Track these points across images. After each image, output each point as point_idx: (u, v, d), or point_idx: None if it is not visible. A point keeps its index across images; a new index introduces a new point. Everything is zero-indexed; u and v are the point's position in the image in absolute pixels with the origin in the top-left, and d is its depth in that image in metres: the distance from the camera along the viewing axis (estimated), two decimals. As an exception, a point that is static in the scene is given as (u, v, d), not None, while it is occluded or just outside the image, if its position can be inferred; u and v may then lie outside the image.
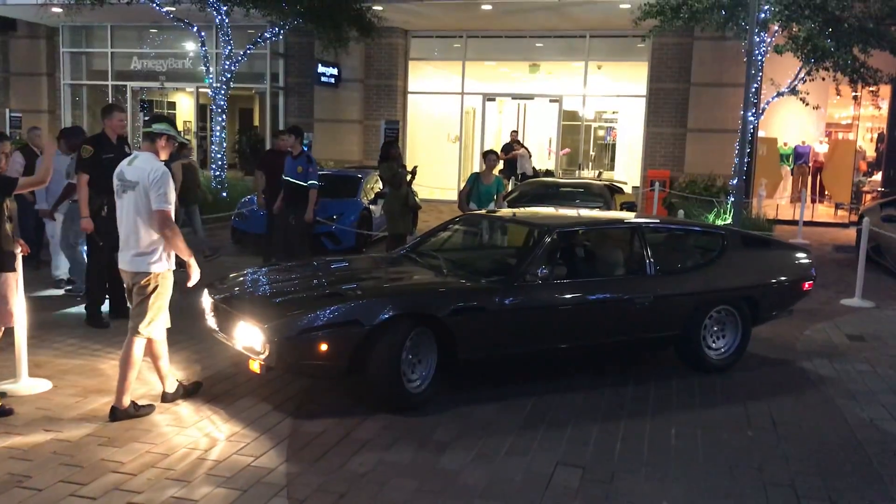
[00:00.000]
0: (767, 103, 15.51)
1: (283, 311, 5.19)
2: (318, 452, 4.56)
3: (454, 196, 19.69)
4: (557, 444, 4.81)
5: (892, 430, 5.28)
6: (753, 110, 13.19)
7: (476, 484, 4.23)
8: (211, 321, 5.76)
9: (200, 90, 21.61)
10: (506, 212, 7.50)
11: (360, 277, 6.29)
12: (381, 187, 13.49)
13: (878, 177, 20.29)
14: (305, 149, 9.92)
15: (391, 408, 5.21)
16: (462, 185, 20.68)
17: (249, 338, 5.11)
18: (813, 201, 19.22)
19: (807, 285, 7.09)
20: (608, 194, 12.02)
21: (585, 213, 8.70)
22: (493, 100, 21.66)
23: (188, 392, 5.39)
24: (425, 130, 21.40)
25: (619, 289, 6.25)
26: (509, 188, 14.01)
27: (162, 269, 5.02)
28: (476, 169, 21.27)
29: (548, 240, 6.01)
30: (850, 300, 9.29)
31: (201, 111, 22.40)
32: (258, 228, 11.00)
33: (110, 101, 19.93)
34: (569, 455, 4.65)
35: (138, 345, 5.03)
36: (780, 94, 15.26)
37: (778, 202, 20.07)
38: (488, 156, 9.68)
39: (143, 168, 4.92)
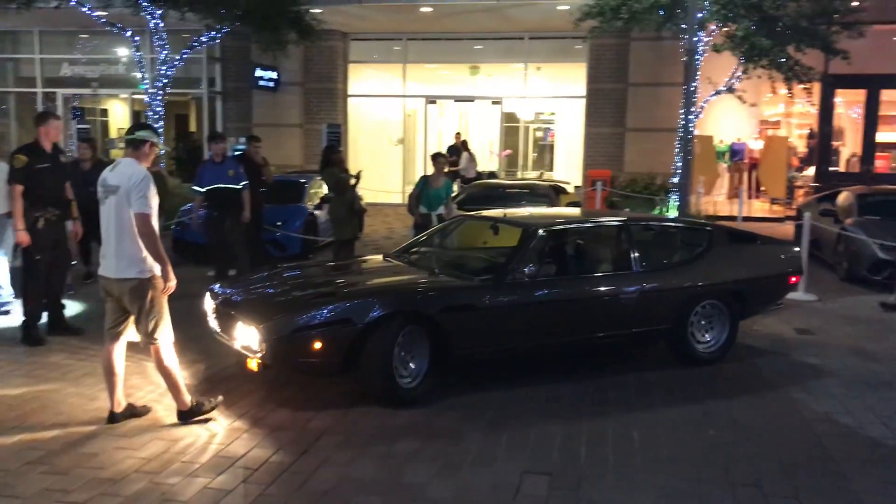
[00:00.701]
0: (706, 102, 15.76)
1: (278, 311, 5.40)
2: (277, 471, 4.39)
3: (398, 199, 19.58)
4: (522, 450, 4.73)
5: (848, 422, 5.34)
6: (693, 109, 13.34)
7: (442, 498, 4.12)
8: (213, 323, 5.93)
9: (135, 96, 21.07)
10: (496, 212, 7.73)
11: (355, 278, 6.54)
12: (326, 191, 13.32)
13: (809, 172, 20.83)
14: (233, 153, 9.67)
15: (384, 403, 5.36)
16: (406, 188, 20.63)
17: (247, 337, 5.30)
18: (749, 197, 19.61)
19: (794, 279, 7.31)
20: (553, 195, 12.05)
21: (573, 211, 8.80)
22: (435, 102, 21.59)
23: (135, 414, 5.17)
24: (367, 134, 21.22)
25: (605, 285, 6.39)
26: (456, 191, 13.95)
27: (148, 274, 4.90)
28: (420, 172, 21.18)
29: (535, 239, 6.22)
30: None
31: (136, 118, 21.80)
32: (202, 238, 10.69)
33: (39, 109, 19.27)
34: (534, 462, 4.57)
35: (162, 353, 4.98)
36: (718, 93, 15.52)
37: (716, 199, 20.45)
38: (437, 158, 9.57)
39: (124, 172, 4.88)
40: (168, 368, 5.01)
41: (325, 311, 5.26)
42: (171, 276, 4.96)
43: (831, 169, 19.84)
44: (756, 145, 21.60)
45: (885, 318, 8.50)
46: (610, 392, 5.89)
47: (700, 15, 12.69)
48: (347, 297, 5.49)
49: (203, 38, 15.92)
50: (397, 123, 20.85)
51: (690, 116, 11.07)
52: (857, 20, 14.30)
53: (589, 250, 7.27)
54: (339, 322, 5.22)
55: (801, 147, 23.34)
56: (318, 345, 5.17)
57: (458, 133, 20.43)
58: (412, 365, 5.51)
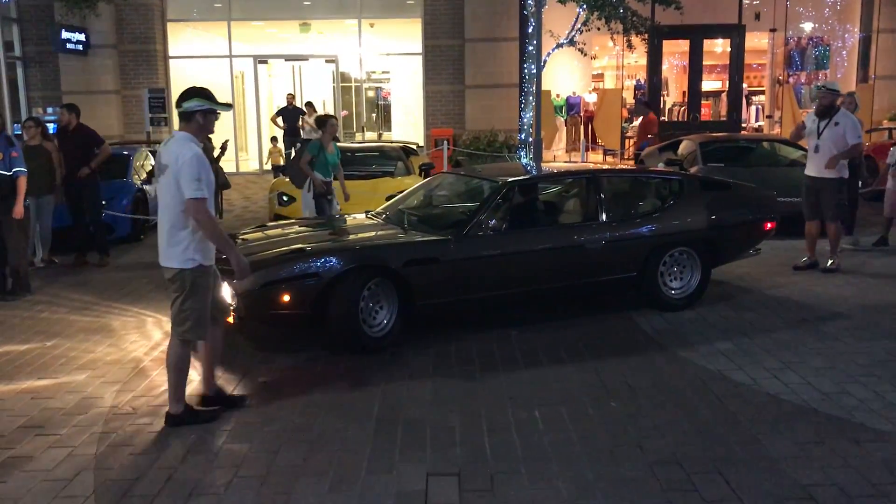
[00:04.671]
0: (548, 55, 15.63)
1: (251, 267, 5.44)
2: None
3: (232, 167, 18.38)
4: (421, 449, 4.21)
5: (741, 379, 5.19)
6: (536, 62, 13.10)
7: (342, 518, 3.55)
8: None
9: (-85, 65, 18.47)
10: (470, 168, 7.81)
11: (328, 236, 6.65)
12: (154, 164, 12.11)
13: (639, 122, 21.39)
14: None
15: (352, 351, 5.65)
16: (240, 154, 19.44)
17: (224, 293, 5.31)
18: (586, 149, 19.94)
19: (769, 225, 7.31)
20: (405, 157, 11.52)
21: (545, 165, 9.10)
22: (265, 62, 20.39)
23: (231, 401, 4.86)
24: (193, 99, 19.71)
25: (569, 236, 6.54)
26: (293, 155, 13.14)
27: (190, 265, 4.42)
28: (252, 136, 20.07)
29: (499, 193, 6.38)
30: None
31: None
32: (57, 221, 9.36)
33: None
34: (438, 461, 4.06)
35: (181, 347, 4.55)
36: (559, 46, 15.40)
37: (555, 153, 20.69)
38: (328, 121, 8.82)
39: (174, 151, 4.39)
40: (176, 365, 4.54)
41: (294, 266, 5.58)
42: (242, 262, 4.56)
43: (661, 119, 20.47)
44: (590, 98, 21.98)
45: (743, 263, 8.55)
46: (500, 365, 5.51)
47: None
48: (313, 254, 5.72)
49: (-6, -4, 14.01)
50: (225, 86, 19.46)
51: (534, 70, 10.80)
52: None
53: (556, 202, 7.46)
54: (306, 276, 5.52)
55: (630, 99, 24.03)
56: (286, 298, 5.50)
57: (290, 94, 19.39)
58: (380, 315, 5.78)
